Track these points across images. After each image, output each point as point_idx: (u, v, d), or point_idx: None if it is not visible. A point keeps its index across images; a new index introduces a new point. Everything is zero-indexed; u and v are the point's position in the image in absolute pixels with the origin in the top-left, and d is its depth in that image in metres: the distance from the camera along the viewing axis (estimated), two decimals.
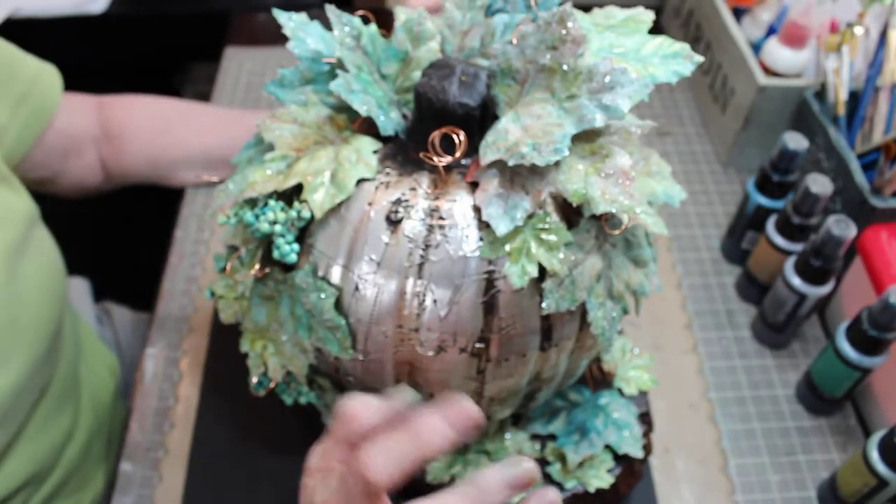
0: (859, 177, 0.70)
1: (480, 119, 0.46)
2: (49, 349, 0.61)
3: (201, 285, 0.75)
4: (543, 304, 0.45)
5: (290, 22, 0.49)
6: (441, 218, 0.45)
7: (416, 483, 0.58)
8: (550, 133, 0.43)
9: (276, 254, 0.46)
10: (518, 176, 0.44)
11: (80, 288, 0.86)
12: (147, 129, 0.75)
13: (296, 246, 0.47)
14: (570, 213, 0.46)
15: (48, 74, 0.68)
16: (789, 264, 0.68)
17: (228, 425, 0.65)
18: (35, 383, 0.60)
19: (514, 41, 0.45)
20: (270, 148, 0.48)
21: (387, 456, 0.35)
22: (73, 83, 0.72)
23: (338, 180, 0.45)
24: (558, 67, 0.43)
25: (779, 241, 0.70)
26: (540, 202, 0.44)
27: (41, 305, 0.59)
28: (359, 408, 0.37)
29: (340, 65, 0.48)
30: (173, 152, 0.75)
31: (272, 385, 0.53)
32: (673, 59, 0.45)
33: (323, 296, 0.46)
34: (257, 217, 0.46)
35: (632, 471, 0.58)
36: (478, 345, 0.46)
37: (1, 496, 0.59)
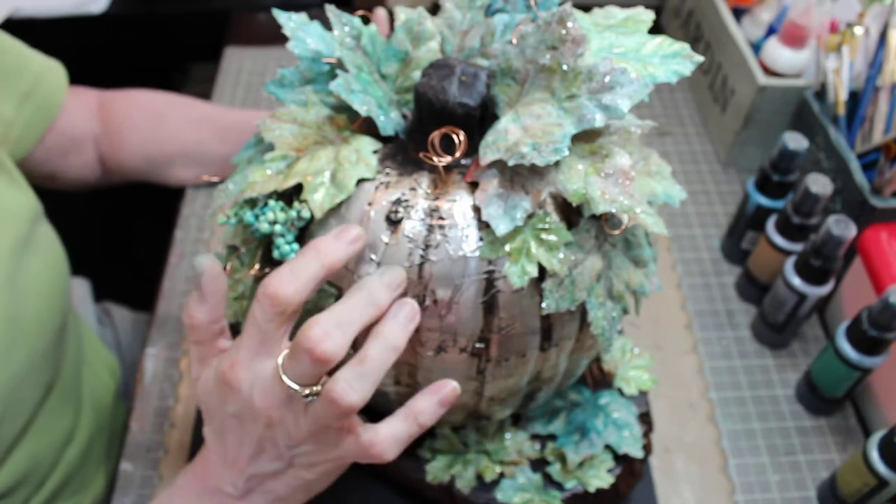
0: (859, 177, 0.70)
1: (480, 119, 0.46)
2: (52, 346, 0.61)
3: None
4: (543, 304, 0.45)
5: (290, 22, 0.49)
6: (441, 218, 0.45)
7: (416, 483, 0.58)
8: (550, 133, 0.43)
9: (276, 254, 0.46)
10: (518, 176, 0.44)
11: (81, 288, 0.86)
12: (143, 127, 0.75)
13: (296, 246, 0.46)
14: (570, 213, 0.46)
15: (54, 72, 0.68)
16: (789, 264, 0.68)
17: None
18: (38, 380, 0.60)
19: (514, 41, 0.45)
20: (270, 148, 0.48)
21: (356, 380, 0.40)
22: (73, 83, 0.72)
23: (338, 180, 0.45)
24: (558, 67, 0.43)
25: (779, 241, 0.70)
26: (540, 202, 0.44)
27: (44, 302, 0.59)
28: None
29: (340, 65, 0.48)
30: (168, 148, 0.75)
31: None
32: (673, 59, 0.45)
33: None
34: (257, 217, 0.46)
35: (632, 471, 0.58)
36: (478, 345, 0.46)
37: (0, 491, 0.59)
